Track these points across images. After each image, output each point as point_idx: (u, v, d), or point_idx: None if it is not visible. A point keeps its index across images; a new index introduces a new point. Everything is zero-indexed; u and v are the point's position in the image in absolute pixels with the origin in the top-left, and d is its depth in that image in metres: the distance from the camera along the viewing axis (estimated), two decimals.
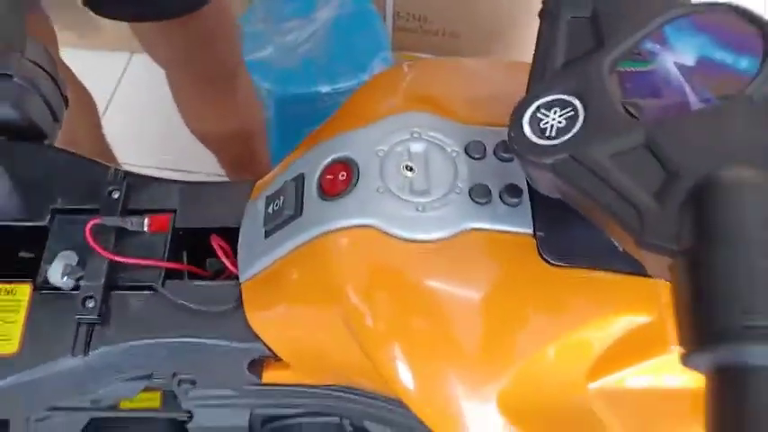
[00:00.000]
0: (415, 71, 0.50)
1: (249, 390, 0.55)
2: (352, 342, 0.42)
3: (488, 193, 0.41)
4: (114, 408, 0.56)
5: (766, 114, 0.31)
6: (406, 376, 0.40)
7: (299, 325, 0.46)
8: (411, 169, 0.42)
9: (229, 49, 1.02)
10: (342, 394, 0.54)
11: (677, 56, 0.35)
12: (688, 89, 0.34)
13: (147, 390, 0.55)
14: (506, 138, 0.39)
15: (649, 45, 0.36)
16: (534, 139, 0.36)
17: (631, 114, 0.34)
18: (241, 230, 0.50)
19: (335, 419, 0.61)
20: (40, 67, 0.57)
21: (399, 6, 1.70)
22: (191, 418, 0.58)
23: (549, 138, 0.35)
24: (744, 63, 0.32)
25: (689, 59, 0.34)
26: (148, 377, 0.51)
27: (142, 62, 1.41)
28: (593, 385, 0.42)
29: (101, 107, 1.27)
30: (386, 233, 0.40)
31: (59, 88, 0.59)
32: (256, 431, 0.63)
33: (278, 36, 1.49)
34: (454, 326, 0.40)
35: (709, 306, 0.26)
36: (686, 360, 0.27)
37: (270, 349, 0.48)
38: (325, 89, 1.43)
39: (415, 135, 0.43)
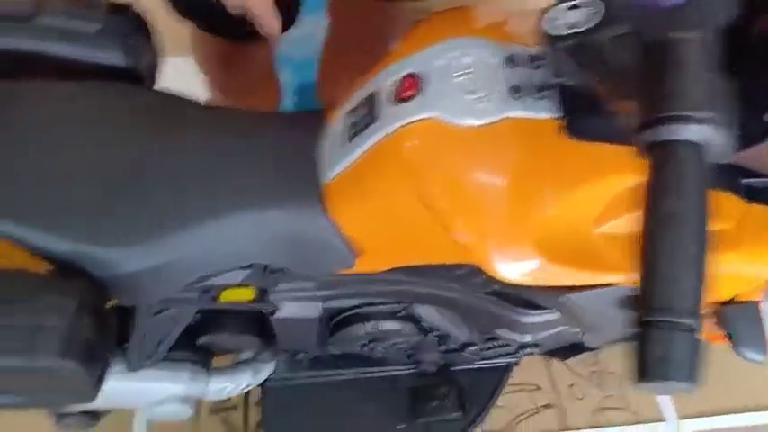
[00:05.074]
0: (450, 11, 0.64)
1: (325, 281, 0.68)
2: (425, 214, 0.54)
3: (519, 90, 0.55)
4: (215, 299, 0.68)
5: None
6: (470, 239, 0.54)
7: (380, 208, 0.58)
8: (463, 76, 0.55)
9: None
10: (403, 278, 0.67)
11: None
12: None
13: (244, 286, 0.67)
14: (531, 52, 0.55)
15: None
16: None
17: None
18: (322, 144, 0.63)
19: (390, 307, 0.74)
20: None
21: None
22: (275, 311, 0.71)
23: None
24: None
25: None
26: (250, 266, 0.64)
27: None
28: (600, 230, 0.56)
29: None
30: (445, 122, 0.54)
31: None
32: (324, 325, 0.76)
33: None
34: (499, 190, 0.54)
35: (648, 104, 0.42)
36: (636, 140, 0.42)
37: (348, 241, 0.61)
38: None
39: (464, 52, 0.56)
